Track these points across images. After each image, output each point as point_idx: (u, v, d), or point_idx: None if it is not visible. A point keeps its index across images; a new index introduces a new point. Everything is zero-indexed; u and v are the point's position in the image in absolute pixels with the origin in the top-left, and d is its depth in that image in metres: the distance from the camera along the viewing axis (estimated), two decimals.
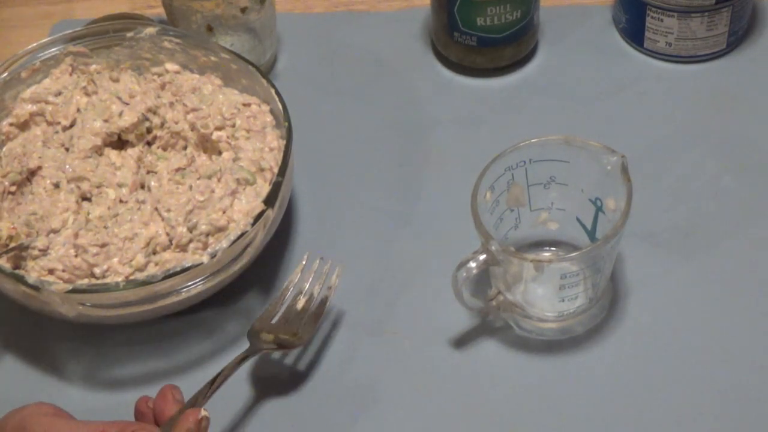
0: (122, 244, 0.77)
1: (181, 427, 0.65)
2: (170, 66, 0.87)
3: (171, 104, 0.84)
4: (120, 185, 0.80)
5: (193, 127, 0.83)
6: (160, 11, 0.96)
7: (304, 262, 0.78)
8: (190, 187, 0.79)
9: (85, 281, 0.76)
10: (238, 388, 0.76)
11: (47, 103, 0.84)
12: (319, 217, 0.86)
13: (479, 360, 0.77)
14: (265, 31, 0.93)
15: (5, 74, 0.85)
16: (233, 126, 0.82)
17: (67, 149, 0.82)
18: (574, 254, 0.71)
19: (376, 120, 0.91)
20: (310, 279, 0.78)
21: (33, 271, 0.76)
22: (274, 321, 0.76)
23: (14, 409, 0.67)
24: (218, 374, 0.71)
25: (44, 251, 0.76)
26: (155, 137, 0.84)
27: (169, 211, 0.78)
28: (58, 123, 0.84)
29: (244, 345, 0.75)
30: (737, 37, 0.93)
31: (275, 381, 0.77)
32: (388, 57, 0.96)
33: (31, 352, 0.80)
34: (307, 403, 0.76)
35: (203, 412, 0.66)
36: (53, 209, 0.79)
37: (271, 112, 0.83)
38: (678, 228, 0.82)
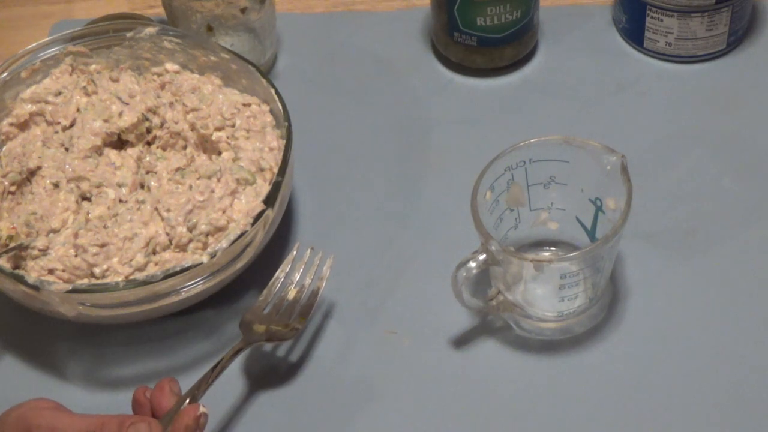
0: (122, 244, 0.77)
1: (179, 423, 0.66)
2: (170, 66, 0.87)
3: (171, 104, 0.84)
4: (120, 185, 0.80)
5: (192, 127, 0.83)
6: (160, 11, 0.96)
7: (294, 252, 0.78)
8: (190, 187, 0.79)
9: (85, 281, 0.76)
10: (234, 381, 0.76)
11: (47, 103, 0.84)
12: (319, 217, 0.86)
13: (479, 360, 0.77)
14: (265, 31, 0.93)
15: (5, 74, 0.85)
16: (233, 126, 0.82)
17: (66, 149, 0.82)
18: (573, 254, 0.71)
19: (376, 120, 0.91)
20: (302, 269, 0.78)
21: (33, 271, 0.76)
22: (265, 311, 0.76)
23: (13, 406, 0.68)
24: (213, 367, 0.71)
25: (44, 251, 0.76)
26: (155, 137, 0.84)
27: (168, 211, 0.78)
28: (58, 123, 0.84)
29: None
30: (737, 37, 0.93)
31: (271, 375, 0.77)
32: (388, 57, 0.96)
33: (31, 352, 0.80)
34: (306, 400, 0.76)
35: (202, 409, 0.66)
36: (53, 209, 0.79)
37: (271, 112, 0.83)
38: (678, 228, 0.82)
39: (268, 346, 0.78)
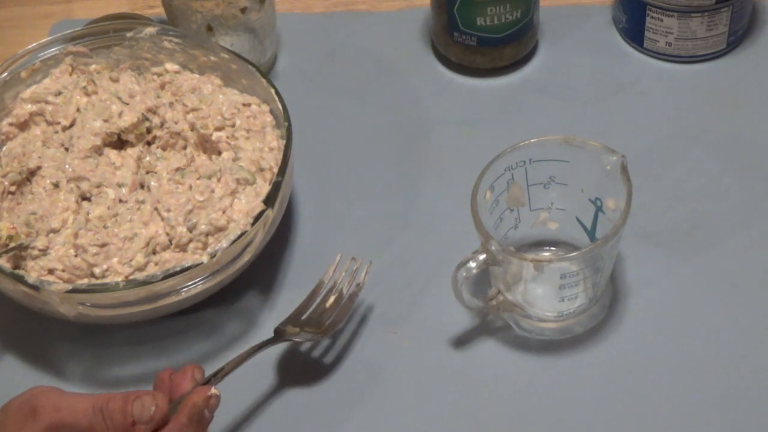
0: (122, 244, 0.77)
1: (189, 400, 0.66)
2: (170, 66, 0.87)
3: (171, 104, 0.84)
4: (120, 185, 0.80)
5: (192, 127, 0.83)
6: (160, 11, 0.96)
7: (337, 260, 0.78)
8: (190, 187, 0.79)
9: (85, 281, 0.76)
10: (236, 378, 0.76)
11: (47, 103, 0.84)
12: (319, 217, 0.85)
13: (479, 360, 0.77)
14: (265, 31, 0.93)
15: (5, 74, 0.85)
16: (233, 126, 0.82)
17: (66, 149, 0.82)
18: (573, 254, 0.71)
19: (376, 120, 0.91)
20: (341, 278, 0.78)
21: (33, 271, 0.76)
22: (303, 318, 0.76)
23: (14, 396, 0.68)
24: (233, 359, 0.71)
25: (44, 251, 0.76)
26: (155, 137, 0.84)
27: (168, 211, 0.78)
28: (58, 123, 0.84)
29: (245, 345, 0.76)
30: (737, 37, 0.93)
31: (269, 374, 0.77)
32: (388, 57, 0.96)
33: (31, 352, 0.80)
34: (305, 399, 0.76)
35: (213, 390, 0.66)
36: (53, 209, 0.79)
37: (271, 112, 0.83)
38: (678, 228, 0.82)
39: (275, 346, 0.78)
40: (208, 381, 0.69)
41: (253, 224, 0.75)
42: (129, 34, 0.87)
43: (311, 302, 0.77)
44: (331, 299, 0.77)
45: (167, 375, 0.69)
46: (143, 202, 0.79)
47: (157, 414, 0.66)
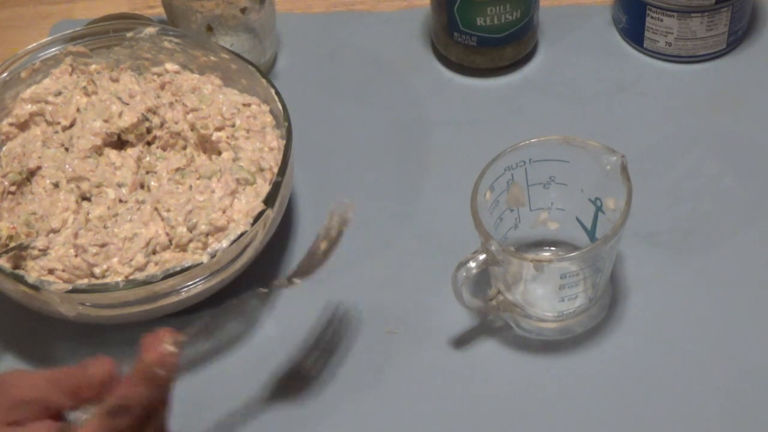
0: (122, 244, 0.77)
1: (141, 360, 0.63)
2: (170, 66, 0.87)
3: (171, 104, 0.84)
4: (120, 185, 0.80)
5: (192, 127, 0.83)
6: (160, 11, 0.96)
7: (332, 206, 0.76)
8: (190, 187, 0.79)
9: (85, 281, 0.76)
10: (232, 378, 0.76)
11: (47, 103, 0.84)
12: (319, 217, 0.85)
13: (479, 360, 0.77)
14: (265, 31, 0.93)
15: (5, 74, 0.85)
16: (233, 126, 0.82)
17: (66, 149, 0.82)
18: (573, 254, 0.71)
19: (376, 120, 0.91)
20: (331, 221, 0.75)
21: (33, 271, 0.76)
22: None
23: None
24: (211, 311, 0.70)
25: (44, 251, 0.76)
26: (155, 137, 0.84)
27: (168, 211, 0.78)
28: (58, 123, 0.84)
29: (244, 344, 0.76)
30: (737, 37, 0.93)
31: (269, 373, 0.77)
32: (388, 57, 0.96)
33: (31, 352, 0.80)
34: (305, 399, 0.76)
35: (167, 347, 0.62)
36: (53, 209, 0.79)
37: (271, 112, 0.83)
38: (678, 228, 0.82)
39: (268, 352, 0.78)
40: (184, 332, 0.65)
41: (253, 224, 0.75)
42: (129, 34, 0.87)
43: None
44: (323, 245, 0.74)
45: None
46: (143, 202, 0.79)
47: (104, 376, 0.64)
